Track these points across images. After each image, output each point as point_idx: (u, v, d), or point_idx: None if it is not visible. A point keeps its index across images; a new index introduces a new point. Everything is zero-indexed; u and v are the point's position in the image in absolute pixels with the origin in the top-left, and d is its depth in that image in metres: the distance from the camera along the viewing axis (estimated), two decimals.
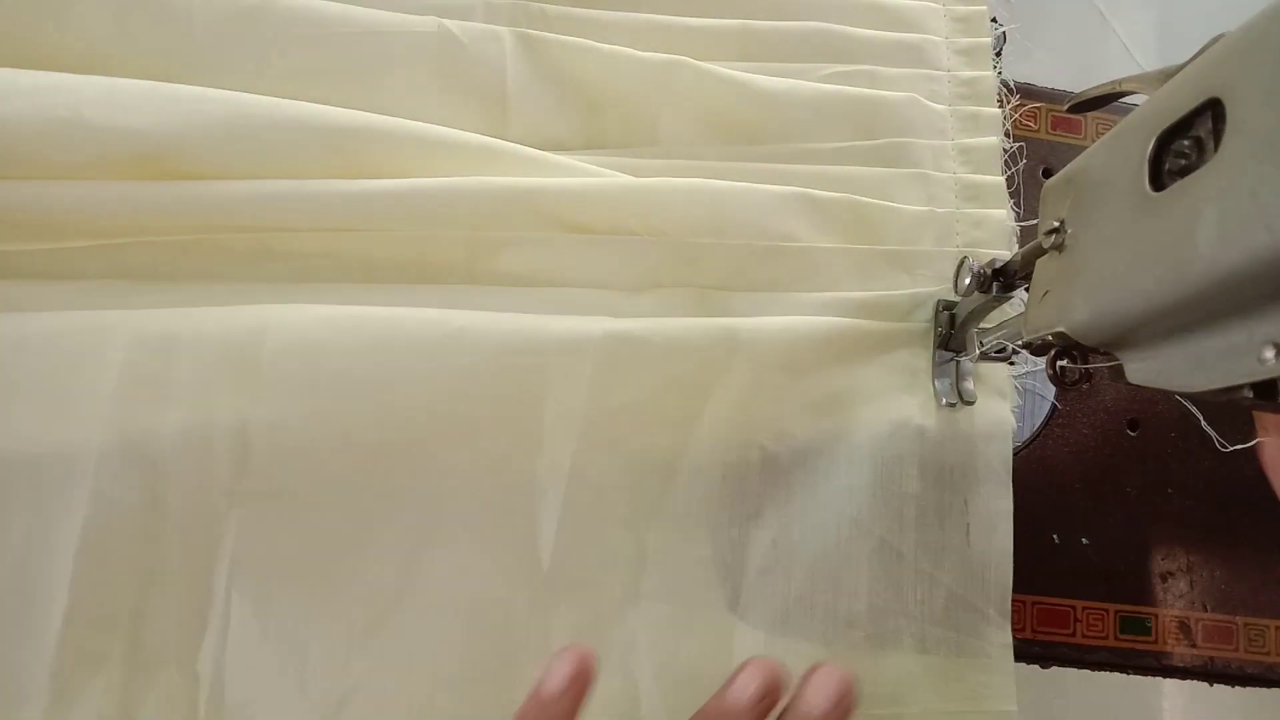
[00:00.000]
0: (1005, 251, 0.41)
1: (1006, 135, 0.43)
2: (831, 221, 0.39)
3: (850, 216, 0.39)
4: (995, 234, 0.41)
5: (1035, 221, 0.41)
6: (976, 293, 0.34)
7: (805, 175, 0.40)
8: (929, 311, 0.39)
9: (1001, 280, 0.33)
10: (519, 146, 0.38)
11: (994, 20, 0.45)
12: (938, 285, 0.39)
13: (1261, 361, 0.20)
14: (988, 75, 0.44)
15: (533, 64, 0.39)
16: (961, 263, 0.35)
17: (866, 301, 0.39)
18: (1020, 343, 0.32)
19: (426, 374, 0.33)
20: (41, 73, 0.32)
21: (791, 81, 0.41)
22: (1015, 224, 0.42)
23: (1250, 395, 0.21)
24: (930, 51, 0.44)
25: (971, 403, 0.38)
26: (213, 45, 0.36)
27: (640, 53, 0.40)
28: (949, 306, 0.39)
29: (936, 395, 0.38)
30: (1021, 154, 0.42)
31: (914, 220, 0.40)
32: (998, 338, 0.35)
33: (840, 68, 0.42)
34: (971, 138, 0.43)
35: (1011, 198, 0.42)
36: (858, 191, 0.40)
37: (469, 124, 0.38)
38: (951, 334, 0.39)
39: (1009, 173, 0.42)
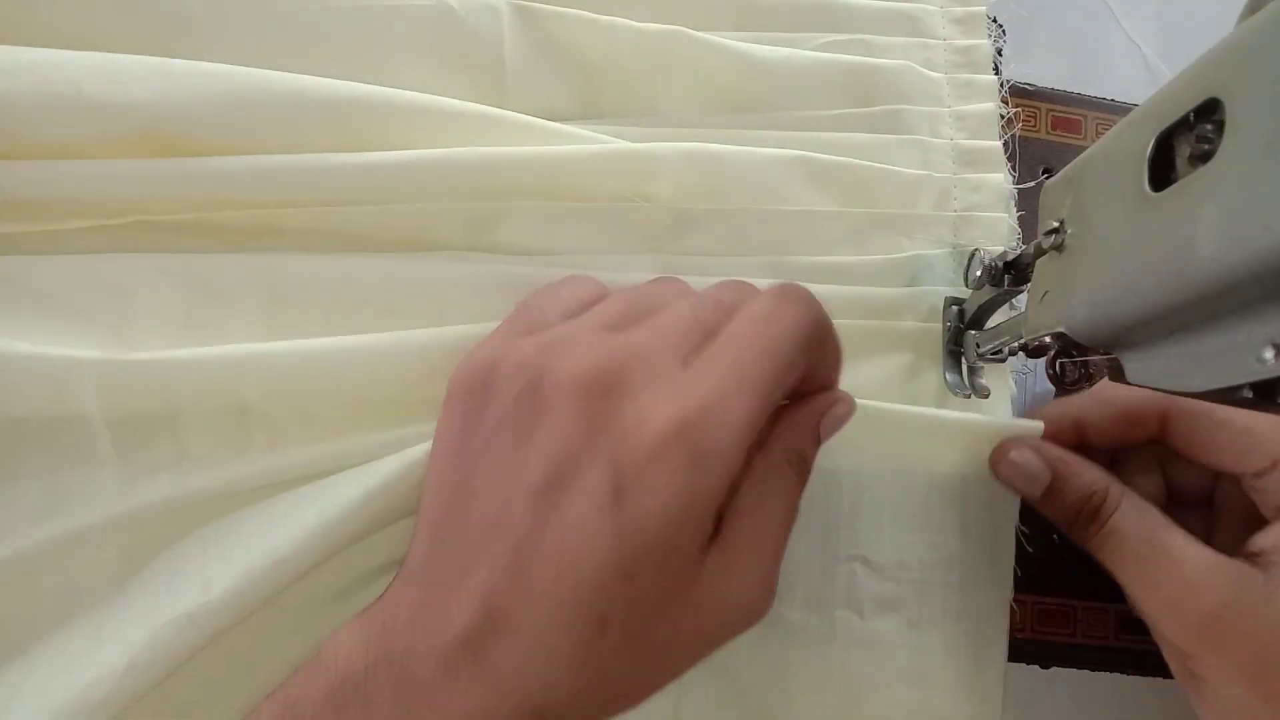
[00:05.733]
0: (1004, 213, 0.41)
1: (1004, 103, 0.43)
2: (829, 185, 0.39)
3: (848, 180, 0.39)
4: (993, 198, 0.41)
5: (1033, 183, 0.41)
6: (988, 286, 0.34)
7: (801, 142, 0.40)
8: (932, 278, 0.39)
9: (1013, 273, 0.33)
10: (517, 115, 0.38)
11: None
12: (937, 249, 0.39)
13: (1261, 361, 0.20)
14: (983, 44, 0.43)
15: (530, 36, 0.39)
16: (972, 256, 0.35)
17: (866, 266, 0.39)
18: (1018, 344, 0.32)
19: None
20: (41, 49, 0.32)
21: (788, 50, 0.41)
22: (1013, 187, 0.41)
23: (1250, 395, 0.21)
24: (926, 20, 0.44)
25: (985, 396, 0.38)
26: (209, 18, 0.35)
27: (637, 23, 0.40)
28: (957, 301, 0.39)
29: (950, 388, 0.38)
30: (1018, 119, 0.42)
31: (911, 184, 0.40)
32: (996, 339, 0.35)
33: (836, 37, 0.42)
34: (968, 104, 0.42)
35: (1008, 161, 0.42)
36: (854, 157, 0.40)
37: (467, 96, 0.38)
38: (960, 329, 0.38)
39: (1005, 137, 0.42)
